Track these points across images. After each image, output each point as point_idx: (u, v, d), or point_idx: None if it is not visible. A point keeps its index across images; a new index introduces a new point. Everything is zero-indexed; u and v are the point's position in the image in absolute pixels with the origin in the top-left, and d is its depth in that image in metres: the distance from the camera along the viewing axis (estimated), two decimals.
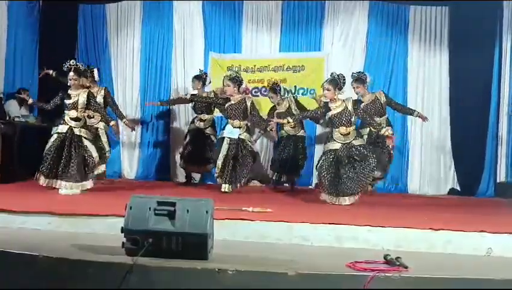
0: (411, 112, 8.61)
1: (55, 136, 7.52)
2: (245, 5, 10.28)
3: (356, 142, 7.20)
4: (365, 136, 8.22)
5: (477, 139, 9.46)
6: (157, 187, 8.67)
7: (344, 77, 7.36)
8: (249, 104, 8.29)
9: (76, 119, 7.57)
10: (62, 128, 7.53)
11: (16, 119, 9.27)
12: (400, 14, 9.83)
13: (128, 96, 10.52)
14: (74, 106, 7.56)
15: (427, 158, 9.69)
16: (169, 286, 3.85)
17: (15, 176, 8.76)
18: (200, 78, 9.24)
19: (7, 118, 9.10)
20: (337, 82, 7.19)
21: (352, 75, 8.32)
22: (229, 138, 8.22)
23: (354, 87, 8.29)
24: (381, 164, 8.24)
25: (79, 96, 7.58)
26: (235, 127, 8.26)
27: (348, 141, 7.17)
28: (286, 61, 9.92)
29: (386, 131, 7.46)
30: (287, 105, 8.95)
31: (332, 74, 7.38)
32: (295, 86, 9.91)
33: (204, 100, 8.98)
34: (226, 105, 8.33)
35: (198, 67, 9.86)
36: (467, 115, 9.36)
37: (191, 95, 9.30)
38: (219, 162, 8.14)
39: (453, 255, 4.87)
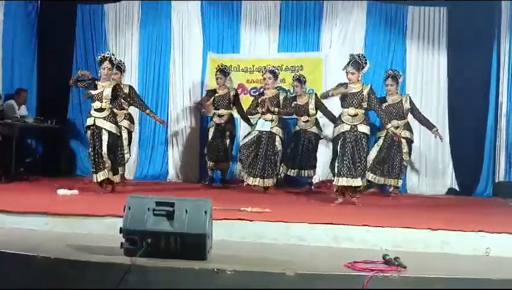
0: (431, 127, 8.52)
1: (88, 132, 7.67)
2: (243, 5, 10.30)
3: (362, 129, 7.07)
4: (381, 138, 8.27)
5: (475, 139, 9.47)
6: (155, 187, 8.68)
7: (365, 57, 7.27)
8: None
9: (100, 110, 7.53)
10: (89, 121, 7.60)
11: (15, 119, 9.26)
12: (398, 14, 9.85)
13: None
14: (99, 97, 7.52)
15: (426, 158, 9.69)
16: (168, 286, 3.84)
17: (13, 176, 8.78)
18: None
19: (5, 119, 9.10)
20: (359, 64, 7.12)
21: (387, 73, 8.39)
22: (258, 130, 8.49)
23: (387, 84, 8.29)
24: (394, 169, 8.29)
25: (105, 88, 7.53)
26: (266, 121, 8.50)
27: (356, 123, 7.07)
28: (285, 61, 9.92)
29: (391, 127, 7.45)
30: (307, 100, 8.83)
31: (352, 55, 7.24)
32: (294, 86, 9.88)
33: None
34: (261, 99, 8.59)
35: (197, 67, 9.88)
36: (465, 115, 9.38)
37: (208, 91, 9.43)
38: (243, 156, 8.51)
39: (452, 255, 4.87)
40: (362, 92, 7.10)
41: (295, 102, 8.89)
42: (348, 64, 7.17)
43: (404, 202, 7.97)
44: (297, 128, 8.98)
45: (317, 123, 8.96)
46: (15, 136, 8.96)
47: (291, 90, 9.60)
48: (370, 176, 8.27)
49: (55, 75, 8.77)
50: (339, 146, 7.11)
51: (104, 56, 7.63)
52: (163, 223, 4.13)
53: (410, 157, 8.73)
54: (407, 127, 8.49)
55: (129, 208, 4.17)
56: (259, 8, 10.25)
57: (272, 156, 8.49)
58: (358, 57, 7.16)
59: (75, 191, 7.22)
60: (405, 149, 8.40)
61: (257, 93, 9.28)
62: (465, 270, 4.24)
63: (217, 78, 9.13)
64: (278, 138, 8.52)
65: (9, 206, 5.59)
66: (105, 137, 7.50)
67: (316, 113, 8.83)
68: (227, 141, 9.13)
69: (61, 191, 7.13)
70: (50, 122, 9.79)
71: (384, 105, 8.14)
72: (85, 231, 5.27)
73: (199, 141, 10.21)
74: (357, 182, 7.01)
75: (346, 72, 7.16)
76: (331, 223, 5.25)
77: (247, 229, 5.24)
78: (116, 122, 7.72)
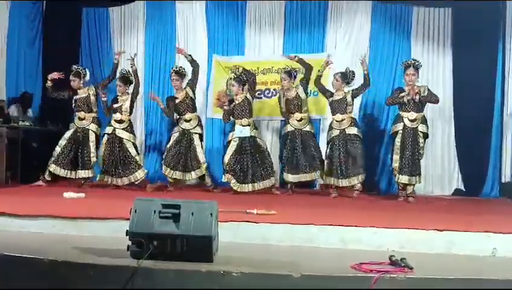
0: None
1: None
2: (248, 6, 10.32)
3: (350, 131, 8.27)
4: (400, 132, 8.07)
5: (481, 139, 9.44)
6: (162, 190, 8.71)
7: (354, 73, 8.45)
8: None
9: (120, 121, 8.78)
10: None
11: (20, 123, 9.31)
12: (403, 14, 9.84)
13: None
14: (120, 110, 8.75)
15: (431, 158, 9.68)
16: (174, 288, 3.86)
17: (20, 179, 8.82)
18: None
19: (11, 123, 9.15)
20: (346, 76, 8.38)
21: (404, 63, 8.21)
22: (238, 137, 8.51)
23: (407, 74, 8.03)
24: (414, 164, 8.04)
25: (125, 101, 8.80)
26: (244, 126, 8.53)
27: (343, 128, 8.27)
28: (289, 63, 9.86)
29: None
30: (295, 93, 8.68)
31: (346, 68, 8.52)
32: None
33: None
34: (232, 105, 8.61)
35: (201, 70, 9.90)
36: (471, 115, 9.34)
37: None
38: (227, 160, 8.46)
39: (458, 255, 4.86)
40: (346, 97, 8.28)
41: (285, 98, 8.76)
42: (338, 72, 8.44)
43: (410, 203, 7.95)
44: (290, 128, 8.72)
45: (310, 121, 8.82)
46: (20, 139, 9.01)
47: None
48: (404, 179, 8.02)
49: (59, 80, 8.84)
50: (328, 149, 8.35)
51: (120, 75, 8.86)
52: (169, 225, 4.14)
53: (423, 151, 8.36)
54: (424, 120, 8.22)
55: (135, 211, 4.19)
56: (264, 9, 10.27)
57: (261, 158, 8.56)
58: (348, 72, 8.45)
59: (82, 194, 7.24)
60: (421, 143, 8.12)
61: (229, 102, 8.79)
62: (471, 271, 4.24)
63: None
64: (259, 140, 8.70)
65: (16, 210, 5.62)
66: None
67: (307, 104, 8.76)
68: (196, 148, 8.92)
69: (67, 194, 7.16)
70: (55, 125, 9.83)
71: (401, 96, 8.09)
72: (92, 233, 5.29)
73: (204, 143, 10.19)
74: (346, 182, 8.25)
75: (334, 76, 8.41)
76: (338, 225, 5.25)
77: (253, 231, 5.25)
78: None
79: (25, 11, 10.46)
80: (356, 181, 8.28)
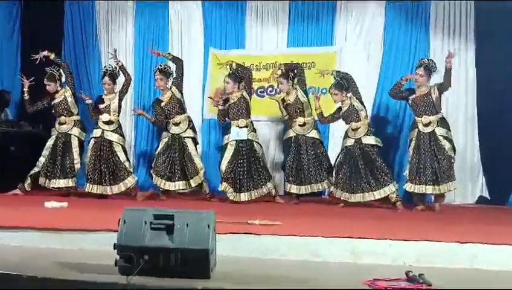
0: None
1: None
2: None
3: (367, 140, 8.26)
4: (414, 139, 8.15)
5: (508, 142, 9.41)
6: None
7: (349, 76, 8.41)
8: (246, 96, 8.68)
9: (108, 122, 8.79)
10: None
11: None
12: (419, 6, 9.79)
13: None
14: (107, 110, 8.77)
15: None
16: None
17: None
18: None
19: None
20: (342, 85, 8.32)
21: (420, 62, 8.28)
22: (235, 140, 8.49)
23: (418, 74, 8.17)
24: (438, 171, 8.03)
25: (111, 101, 8.78)
26: (241, 128, 8.53)
27: (360, 136, 8.26)
28: (295, 57, 9.82)
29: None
30: (294, 97, 8.66)
31: (335, 76, 8.53)
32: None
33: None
34: (227, 104, 8.62)
35: (197, 65, 9.92)
36: (496, 115, 9.30)
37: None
38: (224, 167, 8.43)
39: (482, 270, 4.87)
40: (353, 105, 8.31)
41: (286, 103, 8.78)
42: (331, 86, 8.50)
43: (430, 212, 7.95)
44: (292, 133, 8.74)
45: (316, 126, 8.80)
46: None
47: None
48: (418, 188, 8.11)
49: (41, 76, 8.84)
50: (343, 159, 8.37)
51: (103, 71, 8.89)
52: (162, 238, 4.16)
53: (454, 153, 8.29)
54: (442, 123, 8.22)
55: (124, 222, 4.20)
56: None
57: (256, 164, 8.57)
58: (341, 78, 8.39)
59: (65, 204, 7.25)
60: (447, 145, 8.10)
61: (224, 101, 8.82)
62: (495, 286, 4.24)
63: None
64: (255, 144, 8.67)
65: None
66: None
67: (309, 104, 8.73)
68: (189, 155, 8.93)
69: (49, 204, 7.16)
70: (35, 127, 9.83)
71: (411, 97, 8.18)
72: (76, 247, 5.31)
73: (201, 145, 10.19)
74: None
75: (331, 94, 8.46)
76: (349, 237, 5.26)
77: (255, 243, 5.27)
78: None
79: (1, 8, 10.49)
80: (388, 191, 8.13)
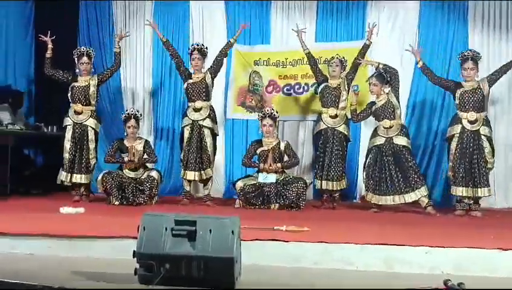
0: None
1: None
2: None
3: (398, 141, 8.19)
4: (457, 135, 8.08)
5: None
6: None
7: (396, 72, 8.36)
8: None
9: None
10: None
11: (10, 127, 9.34)
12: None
13: (140, 96, 10.72)
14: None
15: (495, 165, 9.54)
16: None
17: (9, 192, 8.87)
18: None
19: None
20: (383, 77, 8.26)
21: (461, 55, 8.25)
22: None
23: (465, 68, 8.10)
24: (477, 174, 8.01)
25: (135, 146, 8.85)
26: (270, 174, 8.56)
27: (392, 135, 8.21)
28: (323, 52, 9.79)
29: None
30: (337, 83, 8.79)
31: (377, 67, 8.39)
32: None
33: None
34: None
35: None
36: None
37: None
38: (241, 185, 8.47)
39: None
40: (390, 100, 8.25)
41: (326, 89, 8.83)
42: (372, 75, 8.45)
43: (468, 217, 7.89)
44: (322, 125, 8.82)
45: (346, 121, 8.82)
46: (10, 145, 9.06)
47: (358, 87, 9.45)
48: (459, 190, 8.08)
49: (54, 79, 8.91)
50: (373, 160, 8.34)
51: (128, 114, 8.88)
52: (184, 245, 4.15)
53: (493, 157, 8.29)
54: (487, 122, 8.19)
55: (144, 228, 4.20)
56: None
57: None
58: (384, 70, 8.30)
59: (81, 209, 7.28)
60: (487, 148, 8.08)
61: (254, 142, 8.90)
62: None
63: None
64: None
65: (4, 227, 5.67)
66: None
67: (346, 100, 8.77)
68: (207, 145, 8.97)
69: (64, 210, 7.20)
70: (50, 129, 9.90)
71: (459, 90, 8.09)
72: (93, 255, 5.33)
73: (224, 148, 10.22)
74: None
75: (369, 83, 8.42)
76: (383, 244, 5.23)
77: (282, 251, 5.25)
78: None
79: (15, 7, 10.62)
80: (420, 195, 8.11)
